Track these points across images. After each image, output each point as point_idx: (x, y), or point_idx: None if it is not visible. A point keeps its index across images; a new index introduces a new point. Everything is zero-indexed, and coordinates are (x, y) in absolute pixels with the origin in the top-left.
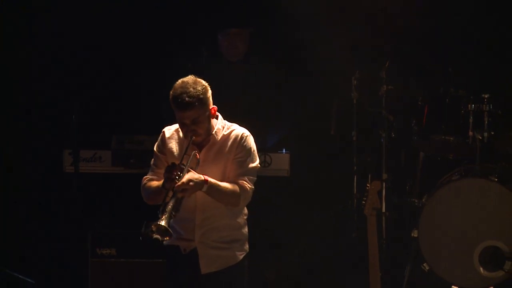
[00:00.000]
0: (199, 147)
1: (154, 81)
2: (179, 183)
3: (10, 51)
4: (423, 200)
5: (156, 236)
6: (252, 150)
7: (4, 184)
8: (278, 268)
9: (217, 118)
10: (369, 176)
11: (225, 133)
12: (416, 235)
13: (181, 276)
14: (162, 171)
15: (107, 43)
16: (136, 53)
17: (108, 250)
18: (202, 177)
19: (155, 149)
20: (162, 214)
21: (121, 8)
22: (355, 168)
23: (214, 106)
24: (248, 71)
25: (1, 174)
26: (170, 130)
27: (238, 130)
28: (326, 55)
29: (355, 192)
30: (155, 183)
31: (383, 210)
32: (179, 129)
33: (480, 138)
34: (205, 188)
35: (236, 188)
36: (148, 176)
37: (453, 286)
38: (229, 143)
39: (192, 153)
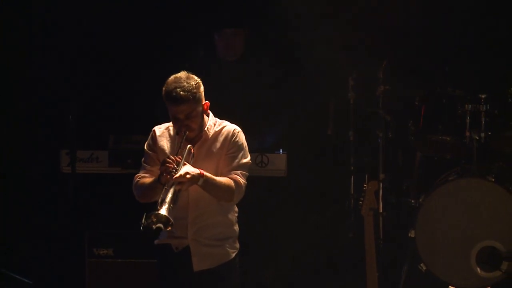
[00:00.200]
0: (191, 143)
1: (151, 81)
2: (177, 175)
3: (7, 52)
4: (420, 200)
5: (158, 225)
6: (244, 145)
7: (1, 184)
8: (275, 268)
9: (208, 115)
10: (366, 176)
11: (217, 130)
12: (413, 235)
13: (173, 274)
14: (154, 168)
15: (104, 44)
16: (133, 54)
17: (105, 250)
18: (198, 170)
19: (145, 147)
20: (161, 205)
21: (118, 9)
22: (352, 168)
23: (207, 101)
24: (244, 71)
25: None
26: (160, 129)
27: (230, 126)
28: (323, 55)
29: (352, 192)
30: (148, 180)
31: (380, 210)
32: (169, 128)
33: (477, 138)
34: (201, 181)
35: (231, 182)
36: (141, 174)
37: (450, 286)
38: (221, 139)
39: (187, 147)
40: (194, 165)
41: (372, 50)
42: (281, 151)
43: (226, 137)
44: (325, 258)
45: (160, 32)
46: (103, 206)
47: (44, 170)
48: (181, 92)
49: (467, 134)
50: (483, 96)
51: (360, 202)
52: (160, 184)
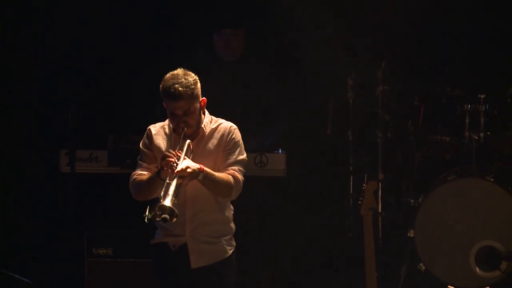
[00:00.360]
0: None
1: (150, 81)
2: (178, 168)
3: (6, 52)
4: (419, 200)
5: (164, 216)
6: (240, 142)
7: (1, 183)
8: (274, 268)
9: (204, 113)
10: (365, 176)
11: (213, 127)
12: (412, 235)
13: (170, 273)
14: (151, 166)
15: (104, 44)
16: (133, 54)
17: (104, 250)
18: (198, 165)
19: (141, 146)
20: (164, 198)
21: (118, 9)
22: (351, 168)
23: (204, 98)
24: (244, 71)
25: None
26: (155, 128)
27: (226, 123)
28: (322, 55)
29: (351, 192)
30: (146, 176)
31: (379, 210)
32: (165, 126)
33: (476, 138)
34: (201, 176)
35: (230, 178)
36: (138, 171)
37: (449, 286)
38: (218, 136)
39: (187, 142)
40: (192, 161)
41: (371, 50)
42: (280, 151)
43: (223, 134)
44: (324, 258)
45: (159, 32)
46: (103, 206)
47: (44, 169)
48: (180, 88)
49: (466, 134)
50: (482, 96)
51: (359, 202)
52: (159, 179)
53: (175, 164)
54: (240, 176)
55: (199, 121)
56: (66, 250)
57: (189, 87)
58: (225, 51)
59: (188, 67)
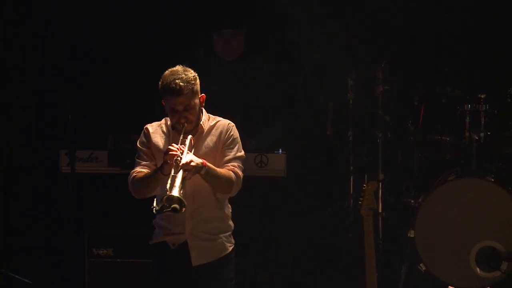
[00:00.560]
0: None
1: (150, 81)
2: (183, 162)
3: (5, 51)
4: (420, 200)
5: (174, 205)
6: (238, 139)
7: (1, 184)
8: (274, 268)
9: (202, 110)
10: (366, 176)
11: (211, 124)
12: (412, 235)
13: (170, 271)
14: (150, 164)
15: (103, 43)
16: (132, 54)
17: (105, 250)
18: (200, 160)
19: (138, 145)
20: (171, 190)
21: (117, 9)
22: (351, 168)
23: (203, 94)
24: (244, 71)
25: None
26: (152, 126)
27: (223, 120)
28: (322, 55)
29: (351, 192)
30: (147, 172)
31: (380, 210)
32: (162, 125)
33: (477, 138)
34: (203, 171)
35: (231, 173)
36: (137, 169)
37: (449, 286)
38: (217, 133)
39: (189, 137)
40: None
41: (371, 50)
42: (280, 151)
43: (221, 131)
44: (325, 258)
45: (159, 32)
46: (103, 206)
47: (44, 170)
48: (181, 83)
49: (467, 134)
50: (482, 96)
51: (360, 202)
52: (161, 175)
53: (179, 158)
54: (240, 172)
55: (199, 118)
56: (66, 250)
57: (189, 82)
58: (225, 51)
59: (188, 66)
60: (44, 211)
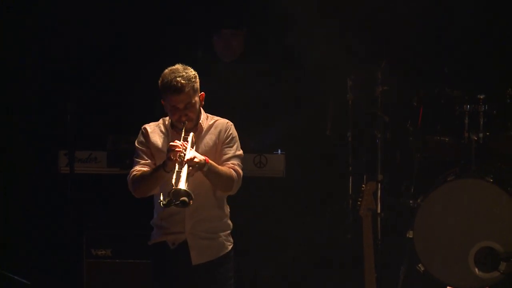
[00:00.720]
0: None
1: (149, 81)
2: (187, 157)
3: (4, 51)
4: (418, 200)
5: (183, 198)
6: (237, 138)
7: (0, 185)
8: (273, 268)
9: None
10: (365, 177)
11: (210, 123)
12: (411, 236)
13: (170, 271)
14: (150, 162)
15: (102, 44)
16: (131, 54)
17: (103, 251)
18: (203, 156)
19: (137, 145)
20: (177, 184)
21: (116, 9)
22: (350, 168)
23: (202, 92)
24: (243, 72)
25: None
26: (150, 126)
27: (222, 119)
28: (322, 55)
29: (350, 193)
30: (148, 170)
31: (378, 211)
32: (160, 125)
33: (476, 138)
34: (206, 168)
35: (231, 171)
36: (136, 168)
37: (448, 287)
38: (216, 131)
39: (191, 135)
40: None
41: (371, 50)
42: (279, 151)
43: (221, 130)
44: (324, 258)
45: (158, 32)
46: (101, 206)
47: (43, 170)
48: (182, 81)
49: (466, 134)
50: (481, 97)
51: (358, 203)
52: (164, 172)
53: (183, 154)
54: (240, 170)
55: (199, 116)
56: (65, 250)
57: (190, 80)
58: (225, 52)
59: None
60: (43, 212)
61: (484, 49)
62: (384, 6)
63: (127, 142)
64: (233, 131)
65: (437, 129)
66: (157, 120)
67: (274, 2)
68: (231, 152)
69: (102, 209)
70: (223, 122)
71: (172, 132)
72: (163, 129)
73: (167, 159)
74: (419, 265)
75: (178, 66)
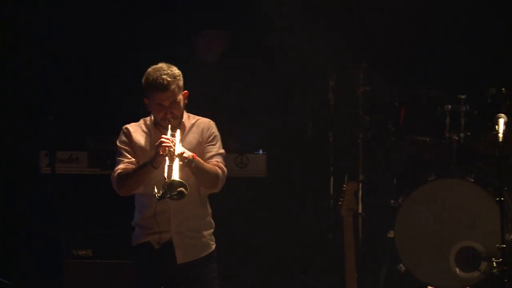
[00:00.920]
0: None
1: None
2: (177, 152)
3: None
4: (400, 200)
5: (180, 189)
6: (219, 137)
7: None
8: (254, 269)
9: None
10: (346, 176)
11: (192, 122)
12: (392, 236)
13: (155, 271)
14: (134, 160)
15: (84, 44)
16: (113, 54)
17: (84, 251)
18: (191, 152)
19: (120, 144)
20: (170, 176)
21: (98, 10)
22: (331, 169)
23: (186, 91)
24: (225, 72)
25: None
26: (132, 126)
27: (204, 118)
28: (303, 56)
29: (331, 192)
30: (134, 167)
31: (360, 210)
32: (141, 124)
33: (457, 138)
34: (194, 164)
35: (217, 169)
36: (121, 166)
37: (429, 287)
38: (199, 130)
39: (178, 131)
40: None
41: (352, 51)
42: (261, 151)
43: (203, 128)
44: (305, 258)
45: (141, 32)
46: (83, 207)
47: (24, 171)
48: (168, 78)
49: (447, 134)
50: (462, 97)
51: (340, 203)
52: (152, 168)
53: (172, 149)
54: (224, 168)
55: (182, 114)
56: (45, 251)
57: (175, 78)
58: (207, 52)
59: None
60: (24, 212)
61: (465, 49)
62: (365, 7)
63: (108, 142)
64: (215, 129)
65: (418, 129)
66: (137, 120)
67: (256, 2)
68: (214, 150)
69: (83, 209)
70: (205, 121)
71: (155, 131)
72: (145, 128)
73: (156, 154)
74: (400, 265)
75: (162, 65)
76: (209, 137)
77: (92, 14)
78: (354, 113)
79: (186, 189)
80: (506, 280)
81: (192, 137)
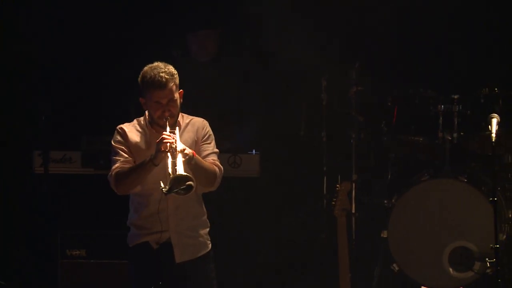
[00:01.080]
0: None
1: (124, 82)
2: (179, 148)
3: None
4: (393, 200)
5: (189, 183)
6: (213, 136)
7: None
8: (247, 269)
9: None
10: (339, 176)
11: (187, 121)
12: (385, 236)
13: (154, 271)
14: (130, 159)
15: (77, 43)
16: (106, 54)
17: (78, 251)
18: (191, 150)
19: (115, 144)
20: (175, 171)
21: (90, 9)
22: (324, 169)
23: (181, 90)
24: (218, 72)
25: None
26: (126, 126)
27: (197, 118)
28: (296, 56)
29: (325, 193)
30: (134, 165)
31: (353, 210)
32: (135, 124)
33: (450, 138)
34: (193, 161)
35: (214, 167)
36: (118, 165)
37: (422, 287)
38: (194, 129)
39: (177, 129)
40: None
41: (345, 51)
42: (254, 151)
43: (198, 127)
44: (298, 258)
45: (133, 32)
46: (76, 207)
47: (17, 171)
48: (166, 76)
49: (440, 134)
50: (455, 97)
51: (333, 203)
52: (152, 165)
53: (174, 146)
54: (221, 166)
55: (179, 113)
56: (39, 251)
57: (173, 76)
58: (200, 52)
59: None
60: (18, 212)
61: (458, 49)
62: (358, 7)
63: (101, 142)
64: (209, 128)
65: (411, 129)
66: (131, 120)
67: (249, 2)
68: (209, 148)
69: (77, 209)
70: (199, 120)
71: (151, 130)
72: (139, 128)
73: (158, 151)
74: (394, 265)
75: (159, 63)
76: (204, 136)
77: (85, 15)
78: (347, 113)
79: (194, 182)
80: (499, 280)
81: (188, 136)
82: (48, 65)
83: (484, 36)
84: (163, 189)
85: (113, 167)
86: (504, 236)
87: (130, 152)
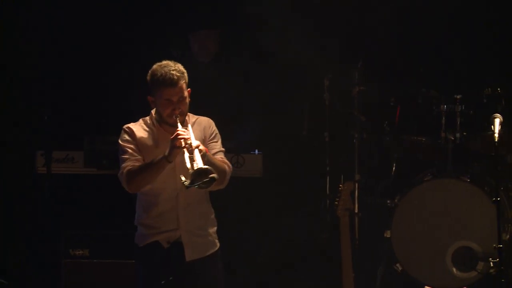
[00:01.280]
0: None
1: (126, 82)
2: (194, 144)
3: None
4: (396, 200)
5: (212, 175)
6: (219, 134)
7: None
8: (250, 268)
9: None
10: (342, 176)
11: (193, 120)
12: (388, 236)
13: (164, 270)
14: (140, 158)
15: (79, 44)
16: (108, 54)
17: (81, 251)
18: (203, 146)
19: (123, 143)
20: (192, 166)
21: (92, 10)
22: (327, 168)
23: (189, 88)
24: (219, 72)
25: None
26: (133, 125)
27: (203, 117)
28: (299, 55)
29: (327, 193)
30: (146, 162)
31: (356, 210)
32: (141, 123)
33: (452, 138)
34: (206, 158)
35: (224, 164)
36: (128, 164)
37: (426, 287)
38: (201, 128)
39: (189, 126)
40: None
41: (348, 51)
42: (257, 151)
43: (205, 126)
44: (301, 258)
45: (135, 33)
46: (79, 206)
47: (20, 171)
48: (177, 73)
49: (443, 134)
50: (458, 97)
51: (336, 203)
52: (166, 162)
53: (189, 141)
54: (230, 164)
55: (187, 111)
56: (42, 251)
57: (183, 74)
58: (201, 52)
59: None
60: (20, 212)
61: (461, 49)
62: (360, 7)
63: (104, 142)
64: (215, 127)
65: (414, 129)
66: (135, 119)
67: (250, 2)
68: (217, 147)
69: (80, 209)
70: (205, 119)
71: (159, 129)
72: (146, 127)
73: (172, 148)
74: (397, 265)
75: (168, 62)
76: (211, 134)
77: (88, 15)
78: (349, 113)
79: (216, 175)
80: (503, 280)
81: (196, 134)
82: (50, 65)
83: (487, 36)
84: (184, 183)
85: (124, 165)
86: (508, 236)
87: (139, 150)
